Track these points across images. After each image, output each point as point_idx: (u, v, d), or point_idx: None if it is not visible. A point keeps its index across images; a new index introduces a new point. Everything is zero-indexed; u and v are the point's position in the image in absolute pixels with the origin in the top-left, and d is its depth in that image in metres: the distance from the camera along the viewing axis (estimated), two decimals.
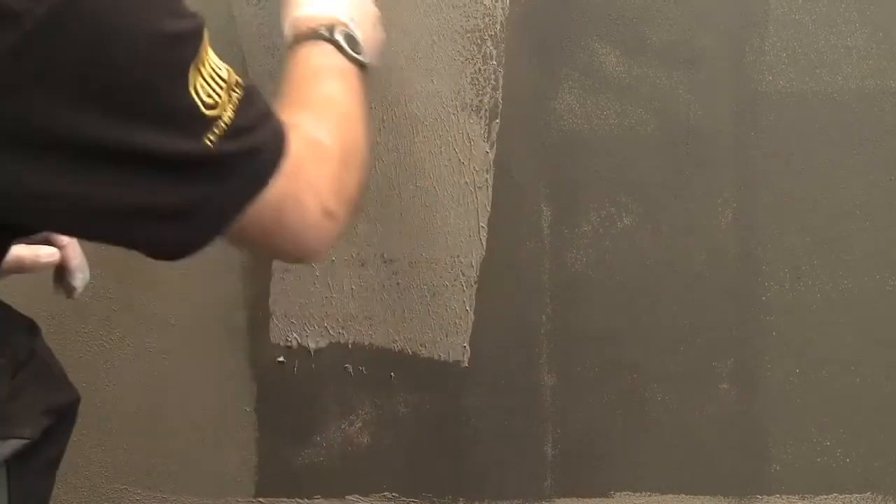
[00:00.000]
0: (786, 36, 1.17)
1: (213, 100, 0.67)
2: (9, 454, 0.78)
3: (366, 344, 1.28)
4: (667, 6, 1.18)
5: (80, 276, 1.00)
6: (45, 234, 0.96)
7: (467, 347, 1.26)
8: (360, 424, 1.29)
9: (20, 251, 0.93)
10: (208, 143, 0.66)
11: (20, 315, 0.83)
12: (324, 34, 0.91)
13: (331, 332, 1.28)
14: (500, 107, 1.22)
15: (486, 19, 1.21)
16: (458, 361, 1.26)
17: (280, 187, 0.72)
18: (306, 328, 1.29)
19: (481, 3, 1.21)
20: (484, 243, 1.24)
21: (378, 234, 1.25)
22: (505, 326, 1.24)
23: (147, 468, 1.31)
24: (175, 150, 0.66)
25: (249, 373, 1.29)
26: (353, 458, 1.30)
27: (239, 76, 0.72)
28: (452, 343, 1.26)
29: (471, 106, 1.22)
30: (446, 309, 1.25)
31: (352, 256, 1.26)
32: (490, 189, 1.23)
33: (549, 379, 1.24)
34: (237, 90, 0.70)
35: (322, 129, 0.81)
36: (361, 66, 0.93)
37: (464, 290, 1.25)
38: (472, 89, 1.22)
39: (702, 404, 1.23)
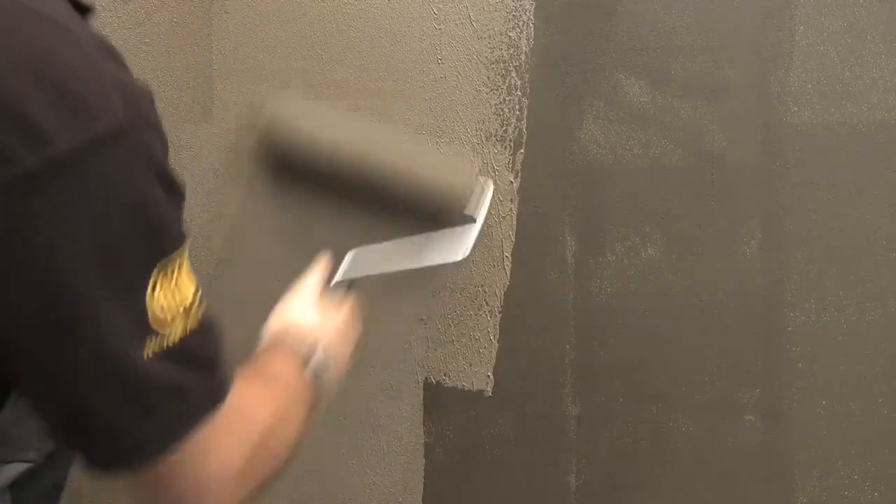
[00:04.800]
0: (811, 67, 1.17)
1: (165, 315, 0.63)
2: (13, 478, 0.78)
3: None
4: (691, 37, 1.18)
5: None
6: None
7: (491, 377, 1.25)
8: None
9: None
10: (146, 353, 0.62)
11: None
12: (300, 356, 0.89)
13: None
14: (525, 137, 1.22)
15: (511, 50, 1.22)
16: (482, 391, 1.26)
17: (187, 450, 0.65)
18: None
19: (506, 34, 1.22)
20: (508, 273, 1.24)
21: None
22: (529, 356, 1.24)
23: None
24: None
25: None
26: (376, 487, 1.29)
27: (206, 306, 0.67)
28: (476, 372, 1.26)
29: (495, 136, 1.23)
30: (470, 338, 1.25)
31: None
32: (514, 219, 1.23)
33: (573, 409, 1.24)
34: (196, 316, 0.65)
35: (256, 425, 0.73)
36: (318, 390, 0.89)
37: (488, 320, 1.25)
38: (496, 119, 1.23)
39: (726, 435, 1.22)
